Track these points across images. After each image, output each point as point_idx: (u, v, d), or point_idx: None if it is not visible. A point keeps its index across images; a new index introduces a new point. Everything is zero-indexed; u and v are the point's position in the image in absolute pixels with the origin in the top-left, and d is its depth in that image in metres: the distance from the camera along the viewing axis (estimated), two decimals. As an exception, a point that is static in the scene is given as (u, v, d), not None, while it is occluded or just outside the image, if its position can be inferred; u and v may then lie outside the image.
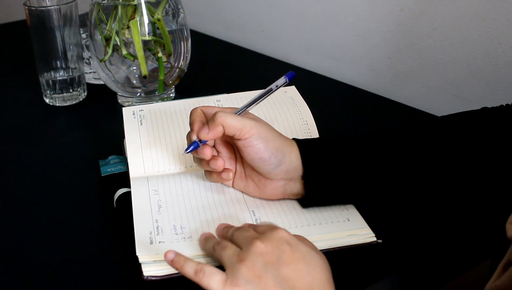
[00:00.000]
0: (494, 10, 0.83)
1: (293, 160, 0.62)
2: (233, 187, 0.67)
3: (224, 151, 0.65)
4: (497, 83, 0.86)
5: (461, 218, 0.64)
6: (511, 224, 0.45)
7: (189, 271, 0.52)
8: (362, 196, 0.63)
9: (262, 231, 0.54)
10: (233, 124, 0.60)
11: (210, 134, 0.60)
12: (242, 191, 0.66)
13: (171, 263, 0.54)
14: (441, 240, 0.62)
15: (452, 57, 0.90)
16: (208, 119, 0.61)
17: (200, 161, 0.65)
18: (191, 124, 0.63)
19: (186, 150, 0.63)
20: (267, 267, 0.49)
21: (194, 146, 0.62)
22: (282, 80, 0.65)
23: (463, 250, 0.62)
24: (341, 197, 0.64)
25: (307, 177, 0.62)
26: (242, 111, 0.63)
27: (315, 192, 0.63)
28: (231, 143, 0.65)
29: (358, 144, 0.63)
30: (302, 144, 0.63)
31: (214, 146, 0.65)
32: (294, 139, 0.64)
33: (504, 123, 0.63)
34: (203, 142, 0.62)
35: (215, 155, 0.64)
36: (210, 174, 0.65)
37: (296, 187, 0.64)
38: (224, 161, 0.64)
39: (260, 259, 0.49)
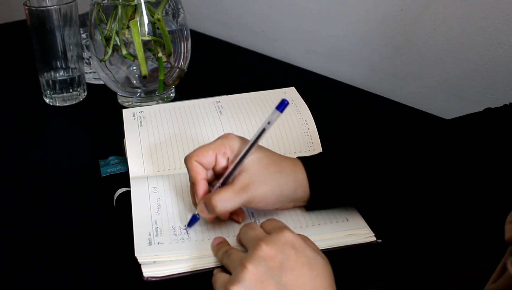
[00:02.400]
0: (494, 10, 0.83)
1: (300, 195, 0.61)
2: None
3: None
4: (497, 83, 0.86)
5: (461, 218, 0.64)
6: (511, 223, 0.45)
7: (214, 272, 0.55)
8: (367, 207, 0.64)
9: (269, 230, 0.54)
10: (233, 207, 0.58)
11: (211, 217, 0.60)
12: None
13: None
14: (441, 240, 0.62)
15: (452, 57, 0.90)
16: (206, 202, 0.59)
17: None
18: (193, 184, 0.61)
19: (189, 225, 0.61)
20: (269, 272, 0.49)
21: (195, 220, 0.61)
22: (275, 114, 0.58)
23: (463, 250, 0.62)
24: (344, 206, 0.65)
25: (312, 201, 0.62)
26: (243, 159, 0.59)
27: (320, 208, 0.64)
28: None
29: (365, 162, 0.62)
30: (312, 177, 0.61)
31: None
32: (302, 162, 0.61)
33: (508, 123, 0.63)
34: None
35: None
36: None
37: (303, 203, 0.63)
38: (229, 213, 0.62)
39: (264, 263, 0.49)
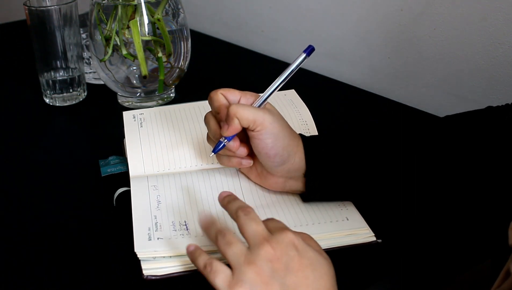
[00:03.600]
0: (494, 10, 0.83)
1: (297, 160, 0.62)
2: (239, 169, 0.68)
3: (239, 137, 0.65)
4: (497, 83, 0.86)
5: (462, 218, 0.64)
6: None
7: (200, 263, 0.51)
8: (364, 196, 0.64)
9: (271, 228, 0.53)
10: (246, 116, 0.60)
11: (229, 130, 0.61)
12: (245, 177, 0.68)
13: (189, 254, 0.53)
14: (441, 240, 0.62)
15: (452, 57, 0.90)
16: (226, 115, 0.61)
17: (220, 155, 0.65)
18: (218, 113, 0.63)
19: (214, 151, 0.63)
20: (274, 274, 0.49)
21: (221, 146, 0.63)
22: (301, 56, 0.63)
23: (463, 250, 0.62)
24: (341, 196, 0.64)
25: (309, 177, 0.63)
26: (263, 103, 0.63)
27: (316, 191, 0.63)
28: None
29: (363, 145, 0.63)
30: (308, 146, 0.63)
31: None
32: (300, 135, 0.64)
33: (509, 122, 0.63)
34: (227, 139, 0.62)
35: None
36: (228, 158, 0.65)
37: (296, 184, 0.64)
38: (248, 148, 0.64)
39: (269, 265, 0.49)
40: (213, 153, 0.64)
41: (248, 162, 0.65)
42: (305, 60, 0.63)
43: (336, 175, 0.62)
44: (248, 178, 0.68)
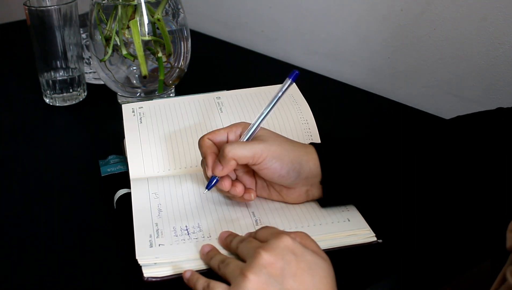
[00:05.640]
0: (494, 10, 0.83)
1: (312, 167, 0.61)
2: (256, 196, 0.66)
3: (241, 168, 0.64)
4: (497, 83, 0.86)
5: (462, 219, 0.64)
6: (511, 232, 0.45)
7: (199, 287, 0.53)
8: (378, 198, 0.63)
9: (265, 237, 0.54)
10: (244, 155, 0.59)
11: (224, 170, 0.61)
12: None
13: (187, 281, 0.54)
14: (441, 240, 0.62)
15: (452, 57, 0.90)
16: (219, 155, 0.61)
17: (220, 189, 0.64)
18: (204, 158, 0.63)
19: (207, 187, 0.63)
20: (271, 280, 0.48)
21: (214, 182, 0.63)
22: (287, 83, 0.63)
23: (463, 250, 0.62)
24: (358, 199, 0.64)
25: (325, 183, 0.62)
26: (252, 135, 0.62)
27: (334, 196, 0.63)
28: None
29: (374, 149, 0.63)
30: (320, 151, 0.62)
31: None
32: (311, 144, 0.64)
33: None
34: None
35: (234, 181, 0.63)
36: (233, 196, 0.64)
37: (318, 192, 0.63)
38: (243, 185, 0.63)
39: (264, 271, 0.49)
40: (206, 190, 0.64)
41: (249, 196, 0.63)
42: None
43: (353, 180, 0.62)
44: (271, 199, 0.66)
